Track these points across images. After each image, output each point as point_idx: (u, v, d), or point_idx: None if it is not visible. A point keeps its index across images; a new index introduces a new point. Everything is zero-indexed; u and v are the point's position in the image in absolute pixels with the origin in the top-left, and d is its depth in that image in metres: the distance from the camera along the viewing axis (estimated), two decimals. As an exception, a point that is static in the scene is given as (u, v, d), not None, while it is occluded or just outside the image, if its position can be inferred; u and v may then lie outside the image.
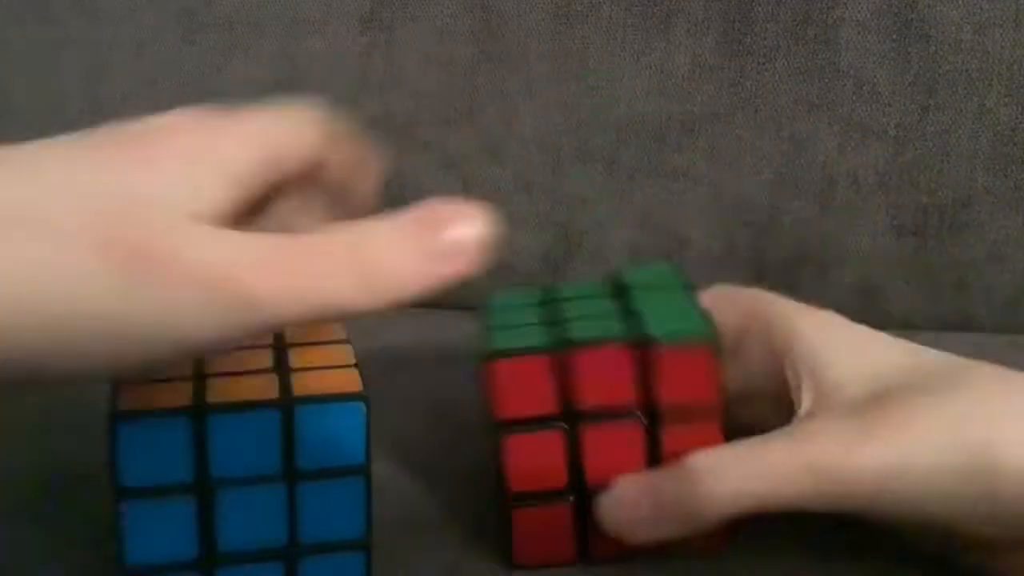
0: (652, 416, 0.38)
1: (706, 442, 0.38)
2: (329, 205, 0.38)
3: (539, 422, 0.38)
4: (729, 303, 0.43)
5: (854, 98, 0.61)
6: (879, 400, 0.37)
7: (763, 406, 0.42)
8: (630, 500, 0.37)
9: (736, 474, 0.36)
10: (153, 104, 0.74)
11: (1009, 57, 0.59)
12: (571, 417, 0.38)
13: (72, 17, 0.70)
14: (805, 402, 0.39)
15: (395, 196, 0.67)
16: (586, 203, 0.64)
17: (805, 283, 0.63)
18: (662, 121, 0.63)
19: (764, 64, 0.61)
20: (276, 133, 0.33)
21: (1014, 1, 0.59)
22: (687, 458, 0.37)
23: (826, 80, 0.61)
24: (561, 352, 0.38)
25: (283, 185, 0.34)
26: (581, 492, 0.38)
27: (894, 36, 0.60)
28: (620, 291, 0.42)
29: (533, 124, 0.64)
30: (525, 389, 0.38)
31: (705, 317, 0.40)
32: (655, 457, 0.38)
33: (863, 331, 0.41)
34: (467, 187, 0.65)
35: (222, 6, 0.67)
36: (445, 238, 0.30)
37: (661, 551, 0.39)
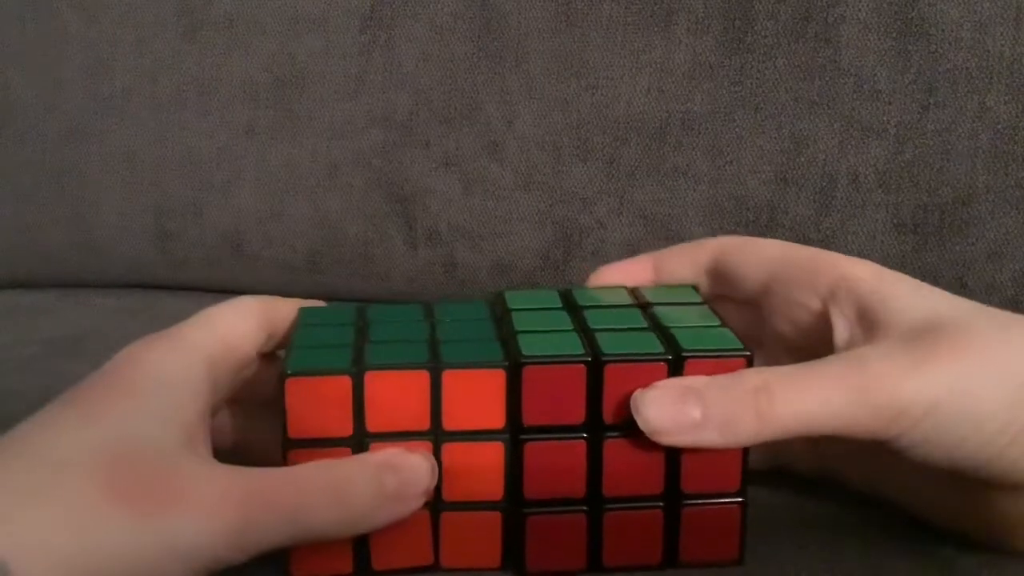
0: None
1: (729, 452, 0.38)
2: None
3: (561, 431, 0.38)
4: (749, 254, 0.43)
5: (854, 96, 0.61)
6: (934, 330, 0.37)
7: (783, 361, 0.42)
8: (676, 401, 0.36)
9: (790, 393, 0.35)
10: (153, 101, 0.75)
11: (1009, 55, 0.59)
12: (595, 428, 0.38)
13: (72, 15, 0.70)
14: (853, 334, 0.38)
15: (395, 194, 0.68)
16: (586, 201, 0.64)
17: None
18: (662, 119, 0.63)
19: (764, 62, 0.61)
20: (216, 335, 0.39)
21: (1014, 0, 0.59)
22: (738, 373, 0.37)
23: (826, 78, 0.61)
24: (593, 363, 0.37)
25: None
26: (595, 502, 0.38)
27: (894, 34, 0.60)
28: (643, 306, 0.42)
29: (533, 122, 0.64)
30: (552, 397, 0.37)
31: (733, 332, 0.39)
32: (674, 468, 0.38)
33: (908, 277, 0.40)
34: (467, 185, 0.65)
35: (222, 4, 0.67)
36: (403, 480, 0.36)
37: (672, 563, 0.39)
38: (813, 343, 0.40)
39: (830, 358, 0.37)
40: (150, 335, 0.38)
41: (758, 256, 0.42)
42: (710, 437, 0.36)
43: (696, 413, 0.36)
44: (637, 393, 0.36)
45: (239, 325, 0.40)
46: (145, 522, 0.32)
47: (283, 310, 0.42)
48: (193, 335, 0.38)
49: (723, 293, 0.44)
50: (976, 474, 0.37)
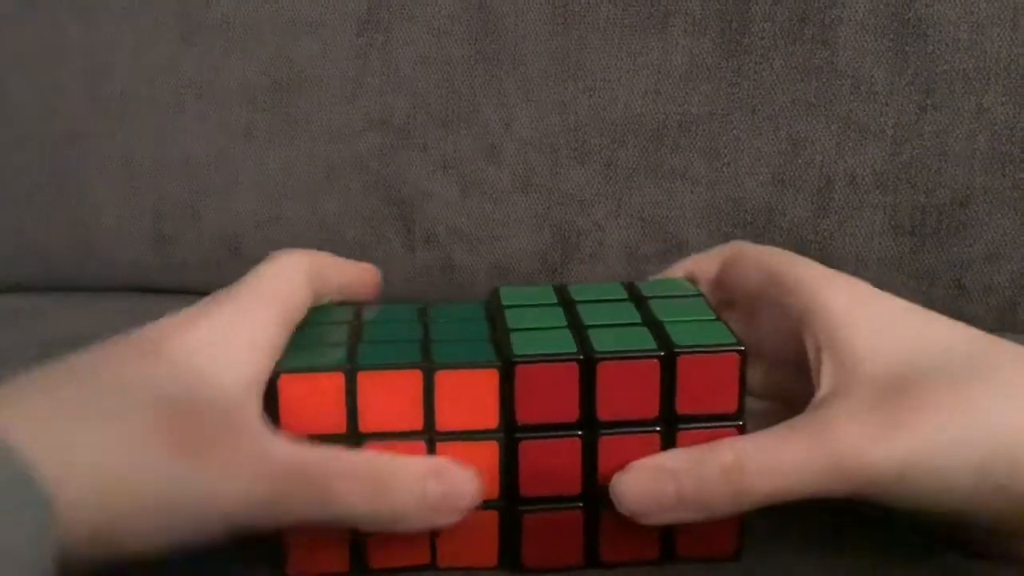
0: (671, 423, 0.38)
1: None
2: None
3: (556, 428, 0.38)
4: (749, 262, 0.43)
5: (852, 98, 0.61)
6: (901, 385, 0.36)
7: (776, 369, 0.42)
8: (651, 485, 0.37)
9: (763, 468, 0.36)
10: (151, 105, 0.75)
11: (1006, 56, 0.59)
12: (589, 425, 0.38)
13: (71, 18, 0.70)
14: (825, 377, 0.38)
15: (393, 197, 0.68)
16: (583, 204, 0.64)
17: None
18: (659, 121, 0.63)
19: (761, 64, 0.61)
20: (277, 296, 0.39)
21: (1011, 1, 0.59)
22: (710, 447, 0.37)
23: (824, 80, 0.61)
24: (585, 361, 0.37)
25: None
26: (592, 498, 0.39)
27: (891, 36, 0.60)
28: (638, 300, 0.42)
29: (530, 125, 0.64)
30: (546, 395, 0.38)
31: (727, 327, 0.39)
32: None
33: (889, 303, 0.40)
34: (464, 188, 0.65)
35: (220, 7, 0.67)
36: (447, 492, 0.36)
37: (670, 557, 0.39)
38: (794, 357, 0.40)
39: (799, 421, 0.37)
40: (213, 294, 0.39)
41: (754, 265, 0.42)
42: (687, 515, 0.36)
43: (672, 492, 0.36)
44: (615, 477, 0.37)
45: (294, 284, 0.40)
46: (191, 470, 0.33)
47: (331, 265, 0.42)
48: (252, 296, 0.38)
49: (724, 298, 0.44)
50: (958, 523, 0.37)
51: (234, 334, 0.37)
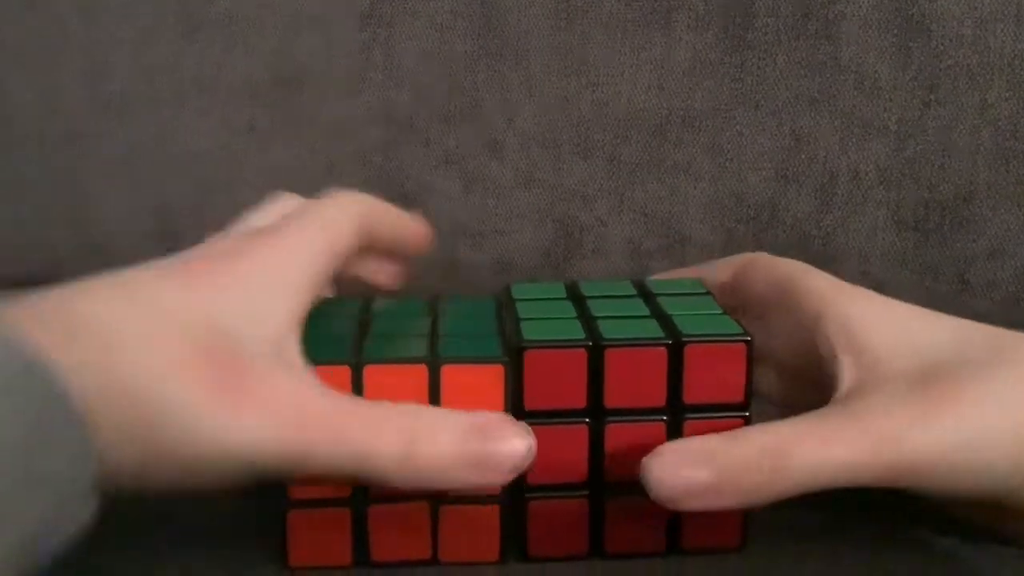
0: (678, 412, 0.38)
1: None
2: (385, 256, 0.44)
3: (563, 415, 0.38)
4: (761, 270, 0.43)
5: (855, 93, 0.61)
6: (928, 379, 0.37)
7: (782, 378, 0.42)
8: (684, 468, 0.35)
9: (802, 451, 0.35)
10: (153, 101, 0.75)
11: (1010, 52, 0.59)
12: (596, 412, 0.38)
13: (72, 15, 0.70)
14: (847, 375, 0.38)
15: (396, 193, 0.67)
16: (587, 199, 0.64)
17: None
18: (663, 116, 0.63)
19: (765, 59, 0.61)
20: (325, 236, 0.38)
21: (1015, -5, 0.59)
22: (744, 431, 0.36)
23: (827, 75, 0.61)
24: (594, 347, 0.38)
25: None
26: (597, 487, 0.39)
27: (895, 31, 0.60)
28: (646, 296, 0.42)
29: (533, 120, 0.64)
30: (553, 382, 0.38)
31: (734, 320, 0.39)
32: None
33: (902, 307, 0.40)
34: (467, 183, 0.65)
35: (222, 2, 0.67)
36: (490, 451, 0.34)
37: (675, 549, 0.39)
38: (803, 364, 0.40)
39: (830, 410, 0.37)
40: (258, 226, 0.38)
41: (766, 273, 0.43)
42: (720, 502, 0.35)
43: (704, 476, 0.35)
44: (645, 458, 0.36)
45: (343, 226, 0.39)
46: (226, 407, 0.31)
47: (383, 215, 0.41)
48: (299, 234, 0.37)
49: (734, 305, 0.44)
50: (999, 505, 0.37)
51: (278, 273, 0.35)
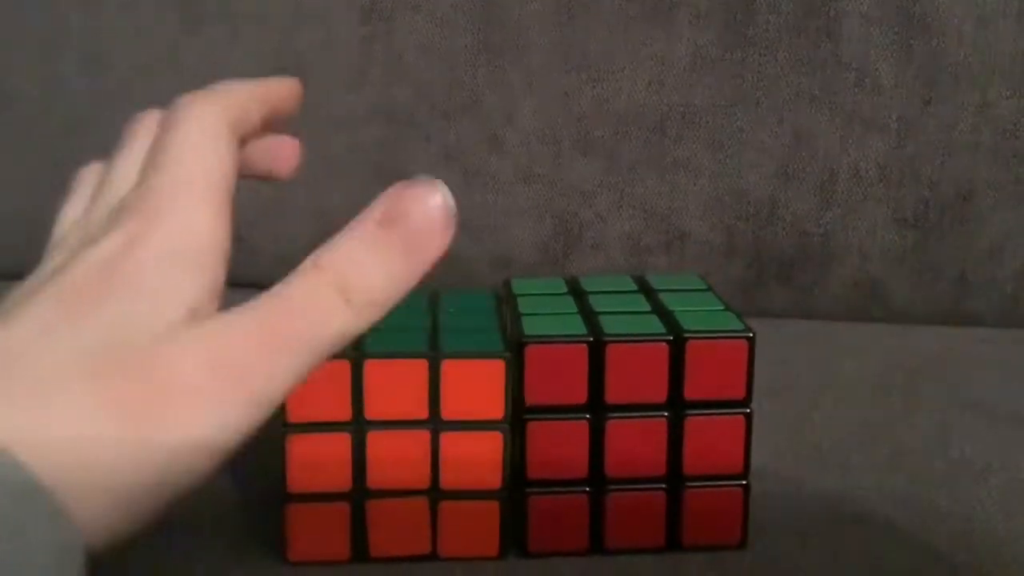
0: (679, 408, 0.38)
1: (732, 435, 0.38)
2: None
3: (564, 411, 0.38)
4: None
5: (856, 91, 0.61)
6: None
7: None
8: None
9: None
10: (154, 95, 0.74)
11: (1011, 51, 0.59)
12: (597, 408, 0.38)
13: (72, 8, 0.70)
14: None
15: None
16: (586, 195, 0.64)
17: (806, 276, 0.63)
18: (663, 113, 0.63)
19: (766, 56, 0.61)
20: (213, 175, 0.32)
21: (1016, -6, 0.59)
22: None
23: (828, 72, 0.61)
24: (595, 342, 0.38)
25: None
26: (598, 483, 0.39)
27: (896, 29, 0.60)
28: (647, 291, 0.42)
29: (533, 115, 0.64)
30: (555, 377, 0.38)
31: (737, 316, 0.39)
32: (677, 450, 0.38)
33: None
34: (467, 178, 0.65)
35: (223, -4, 0.67)
36: (412, 227, 0.30)
37: (676, 546, 0.39)
38: None
39: None
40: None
41: None
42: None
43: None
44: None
45: (221, 151, 0.32)
46: (140, 431, 0.28)
47: (246, 101, 0.35)
48: (182, 189, 0.31)
49: None
50: None
51: (176, 251, 0.30)
